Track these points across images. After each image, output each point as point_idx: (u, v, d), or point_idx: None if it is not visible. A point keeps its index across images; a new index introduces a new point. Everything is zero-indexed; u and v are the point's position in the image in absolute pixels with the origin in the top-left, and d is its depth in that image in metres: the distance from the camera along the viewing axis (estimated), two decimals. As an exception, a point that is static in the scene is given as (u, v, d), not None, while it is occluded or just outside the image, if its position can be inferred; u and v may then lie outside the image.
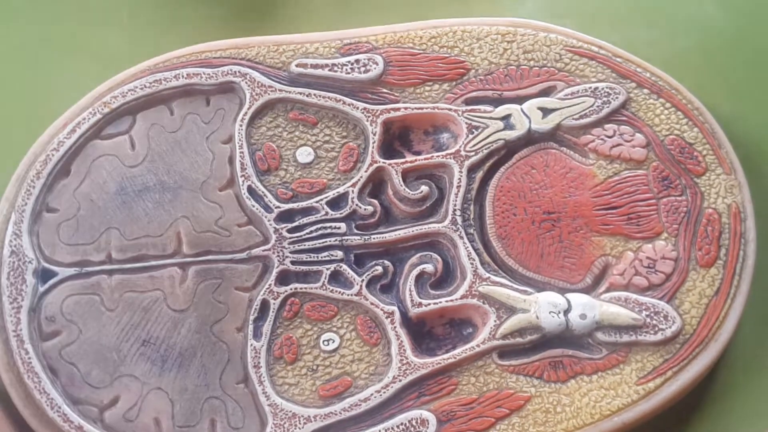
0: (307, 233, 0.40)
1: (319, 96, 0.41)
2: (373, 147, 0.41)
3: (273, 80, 0.42)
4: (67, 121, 0.41)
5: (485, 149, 0.41)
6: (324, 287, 0.39)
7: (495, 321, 0.39)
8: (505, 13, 0.45)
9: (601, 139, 0.41)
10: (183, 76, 0.42)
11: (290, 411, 0.38)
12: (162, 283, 0.39)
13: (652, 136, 0.41)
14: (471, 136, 0.41)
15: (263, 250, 0.40)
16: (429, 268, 0.40)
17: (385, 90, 0.42)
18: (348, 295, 0.39)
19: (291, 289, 0.39)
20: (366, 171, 0.41)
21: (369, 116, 0.41)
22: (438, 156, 0.41)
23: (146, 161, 0.41)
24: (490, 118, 0.41)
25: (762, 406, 0.40)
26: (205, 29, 0.46)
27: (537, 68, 0.42)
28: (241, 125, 0.41)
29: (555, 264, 0.40)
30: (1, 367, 0.38)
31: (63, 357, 0.38)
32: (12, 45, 0.47)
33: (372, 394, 0.38)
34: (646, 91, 0.42)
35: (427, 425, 0.37)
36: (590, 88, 0.41)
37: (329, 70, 0.42)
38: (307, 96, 0.41)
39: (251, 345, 0.38)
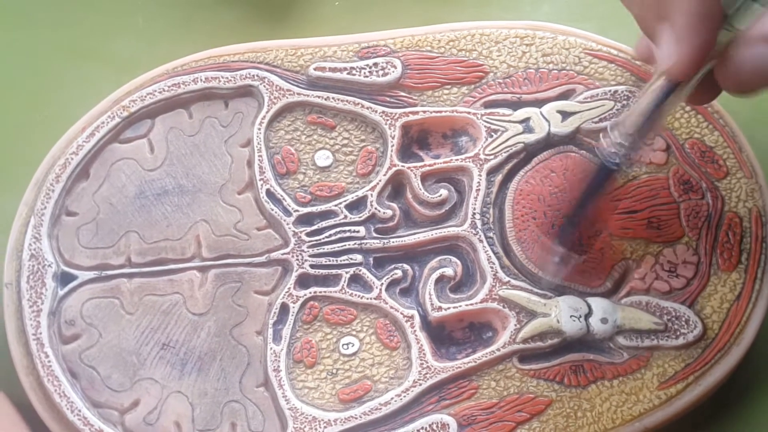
0: (327, 237, 0.40)
1: (338, 99, 0.41)
2: (391, 150, 0.41)
3: (291, 84, 0.42)
4: (86, 125, 0.41)
5: (504, 152, 0.41)
6: (343, 291, 0.39)
7: (515, 325, 0.38)
8: (524, 16, 0.45)
9: (621, 143, 0.41)
10: (201, 80, 0.42)
11: (310, 415, 0.37)
12: (181, 287, 0.39)
13: (672, 140, 0.41)
14: (490, 140, 0.41)
15: (282, 254, 0.40)
16: (448, 271, 0.40)
17: (403, 93, 0.42)
18: (367, 298, 0.39)
19: (310, 292, 0.39)
20: (385, 174, 0.41)
21: (387, 120, 0.41)
22: (457, 159, 0.41)
23: (165, 165, 0.41)
24: (510, 121, 0.41)
25: (783, 411, 0.40)
26: (221, 33, 0.47)
27: (556, 71, 0.42)
28: (259, 129, 0.41)
29: (575, 268, 0.39)
30: (21, 370, 0.38)
31: (83, 360, 0.38)
32: (30, 50, 0.47)
33: (392, 398, 0.38)
34: (665, 94, 0.42)
35: (448, 429, 0.37)
36: (610, 91, 0.41)
37: (347, 73, 0.42)
38: (325, 99, 0.41)
39: (271, 349, 0.38)
